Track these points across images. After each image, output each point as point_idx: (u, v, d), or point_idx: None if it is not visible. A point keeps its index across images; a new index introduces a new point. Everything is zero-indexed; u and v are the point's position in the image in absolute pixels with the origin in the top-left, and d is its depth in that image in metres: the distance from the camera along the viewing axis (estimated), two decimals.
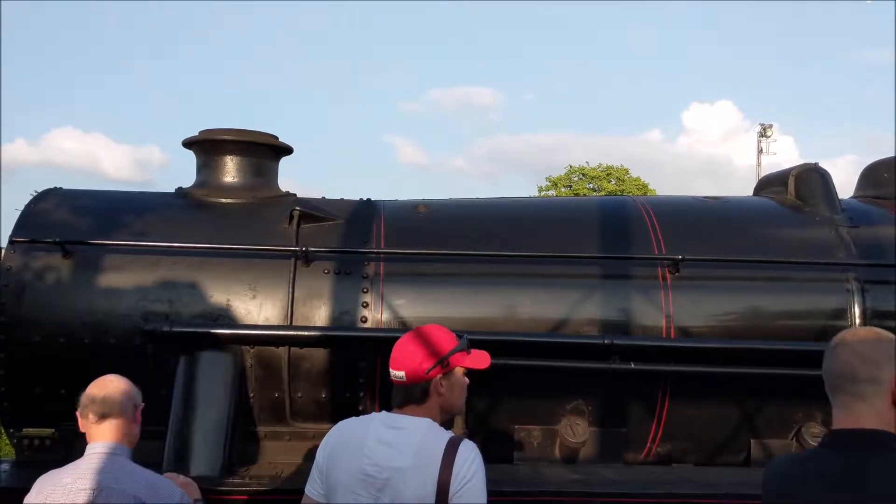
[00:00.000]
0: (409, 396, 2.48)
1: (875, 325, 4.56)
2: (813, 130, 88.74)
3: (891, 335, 1.95)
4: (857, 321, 4.60)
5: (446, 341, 2.54)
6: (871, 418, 1.88)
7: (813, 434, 4.59)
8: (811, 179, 5.16)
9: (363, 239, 4.64)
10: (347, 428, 2.55)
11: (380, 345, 4.23)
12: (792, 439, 4.71)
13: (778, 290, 4.72)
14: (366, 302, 4.45)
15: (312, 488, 2.56)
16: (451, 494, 2.31)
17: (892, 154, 5.63)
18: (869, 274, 4.69)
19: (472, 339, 4.28)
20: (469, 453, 2.38)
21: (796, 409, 4.69)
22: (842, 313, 4.63)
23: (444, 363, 2.49)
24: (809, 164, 5.31)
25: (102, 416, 2.76)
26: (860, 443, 1.87)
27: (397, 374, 2.48)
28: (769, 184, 5.54)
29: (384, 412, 2.55)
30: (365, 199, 5.07)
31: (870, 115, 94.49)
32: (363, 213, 4.84)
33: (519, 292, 4.62)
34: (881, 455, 1.83)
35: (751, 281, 4.70)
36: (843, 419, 1.92)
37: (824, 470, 1.90)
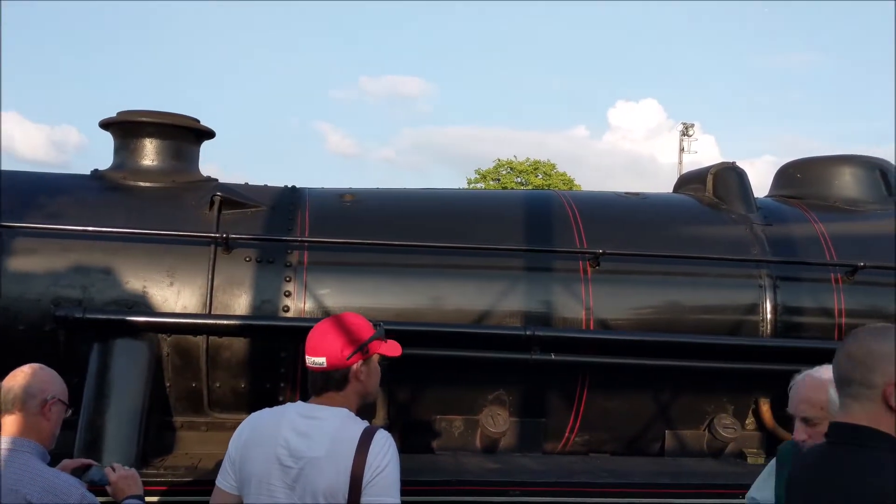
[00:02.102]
0: (329, 383, 2.46)
1: (784, 320, 4.78)
2: (734, 130, 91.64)
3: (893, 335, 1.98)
4: (769, 316, 4.78)
5: (365, 328, 2.54)
6: (862, 417, 1.95)
7: (724, 425, 4.75)
8: (728, 178, 5.32)
9: (287, 227, 4.57)
10: (261, 419, 2.52)
11: (302, 334, 4.16)
12: (704, 430, 4.86)
13: (694, 285, 4.86)
14: (288, 291, 4.39)
15: (224, 480, 2.51)
16: (364, 483, 2.30)
17: (808, 156, 5.87)
18: (780, 270, 4.86)
19: (396, 329, 4.32)
20: (384, 443, 2.38)
21: (709, 401, 4.84)
22: (754, 308, 4.80)
23: (364, 350, 2.49)
24: (727, 163, 5.47)
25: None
26: (846, 437, 1.97)
27: (317, 360, 2.46)
28: (689, 181, 5.68)
29: (300, 402, 2.53)
30: (290, 186, 5.00)
31: (787, 118, 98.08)
32: (287, 201, 4.76)
33: (444, 283, 4.63)
34: (858, 450, 1.93)
35: (668, 275, 4.81)
36: (841, 415, 2.01)
37: (814, 458, 2.08)
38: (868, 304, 4.95)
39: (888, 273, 4.92)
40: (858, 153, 5.69)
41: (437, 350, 4.37)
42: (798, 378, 2.81)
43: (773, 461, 2.80)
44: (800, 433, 2.67)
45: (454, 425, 4.62)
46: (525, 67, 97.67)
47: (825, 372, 2.60)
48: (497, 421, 4.56)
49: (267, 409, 2.56)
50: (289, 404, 2.54)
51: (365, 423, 2.44)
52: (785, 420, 4.85)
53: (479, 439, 4.62)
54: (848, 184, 5.45)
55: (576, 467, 4.41)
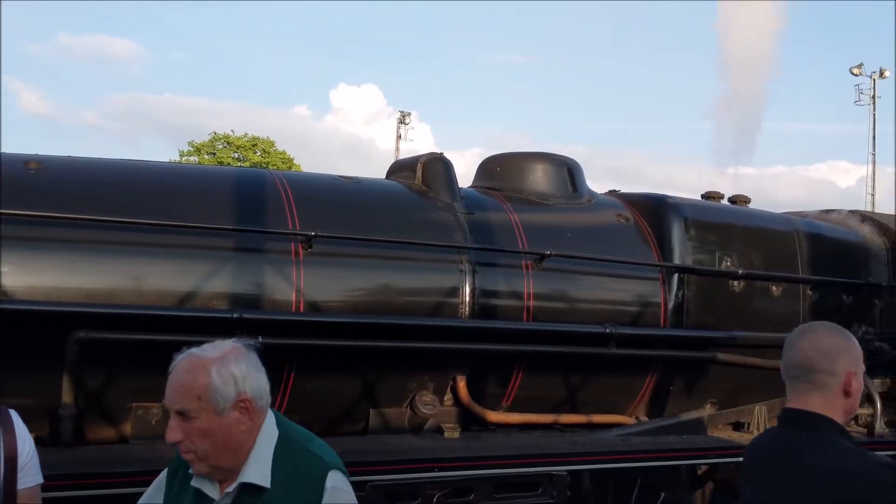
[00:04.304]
0: None
1: (481, 303, 5.12)
2: (448, 121, 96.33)
3: (845, 332, 2.29)
4: (467, 299, 5.09)
5: None
6: (819, 404, 2.23)
7: (424, 402, 4.98)
8: (436, 167, 5.56)
9: None
10: None
11: None
12: (406, 408, 5.07)
13: (402, 269, 5.04)
14: None
15: None
16: (20, 465, 2.26)
17: (508, 151, 6.33)
18: (479, 256, 5.19)
19: (90, 311, 3.98)
20: (20, 419, 2.36)
21: (412, 380, 5.05)
22: (455, 291, 5.08)
23: None
24: (436, 153, 5.73)
25: None
26: (802, 422, 2.24)
27: None
28: (400, 168, 5.87)
29: None
30: None
31: (494, 113, 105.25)
32: None
33: (144, 262, 4.35)
34: (813, 434, 2.19)
35: (378, 259, 4.94)
36: (795, 401, 2.28)
37: (770, 441, 2.37)
38: (553, 288, 5.47)
39: (570, 260, 5.47)
40: (552, 151, 6.25)
41: (133, 334, 4.10)
42: (178, 358, 2.12)
43: (165, 473, 2.25)
44: (174, 433, 2.06)
45: (151, 413, 4.37)
46: (247, 40, 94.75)
47: (211, 351, 2.12)
48: None
49: None
50: None
51: None
52: (479, 395, 5.22)
53: None
54: (539, 179, 5.95)
55: None
